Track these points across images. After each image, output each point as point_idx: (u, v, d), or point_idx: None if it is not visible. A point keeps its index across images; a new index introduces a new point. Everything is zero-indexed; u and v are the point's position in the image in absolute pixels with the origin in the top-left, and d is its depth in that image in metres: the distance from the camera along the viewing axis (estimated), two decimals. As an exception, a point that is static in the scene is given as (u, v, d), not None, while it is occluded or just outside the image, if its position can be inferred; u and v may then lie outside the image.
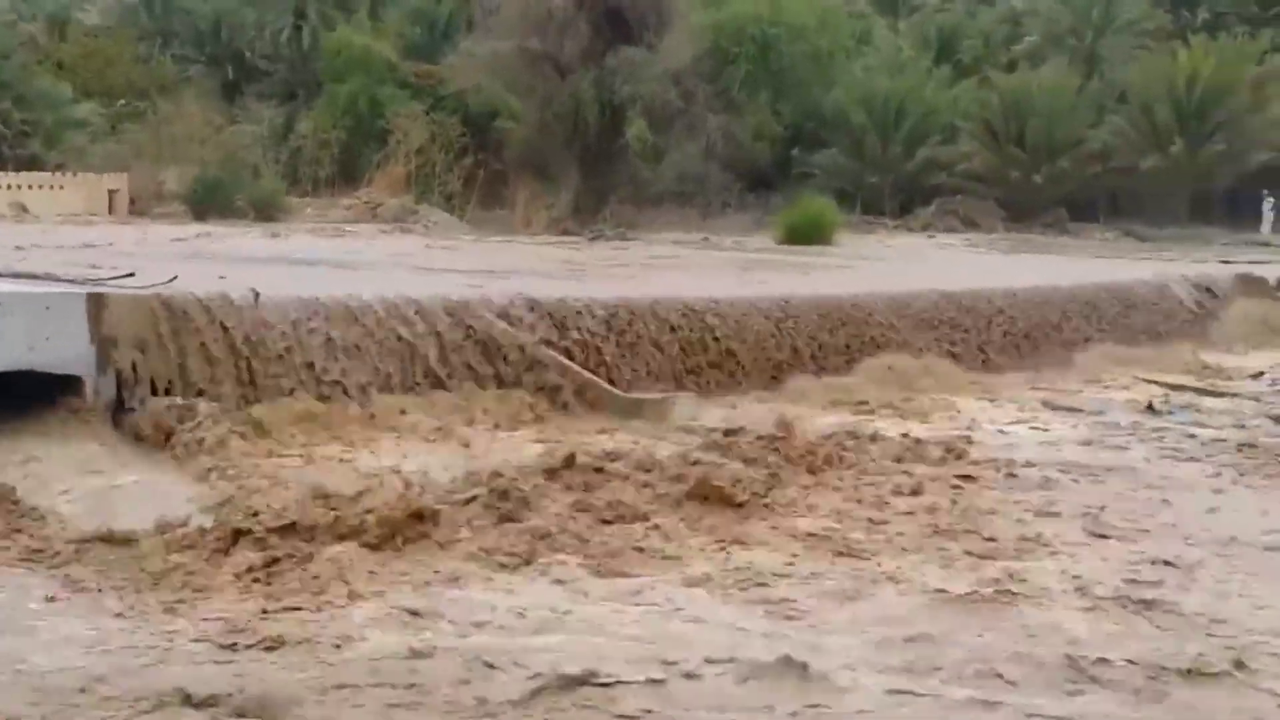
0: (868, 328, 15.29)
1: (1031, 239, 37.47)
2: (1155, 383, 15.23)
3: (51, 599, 6.70)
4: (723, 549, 7.73)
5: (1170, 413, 13.27)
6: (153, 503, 8.44)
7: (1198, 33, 48.52)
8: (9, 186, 40.22)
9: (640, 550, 7.65)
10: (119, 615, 6.44)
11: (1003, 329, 16.79)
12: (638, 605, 6.73)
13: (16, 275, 12.58)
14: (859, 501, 8.92)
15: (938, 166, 46.00)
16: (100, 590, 6.82)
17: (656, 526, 8.06)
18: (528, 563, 7.36)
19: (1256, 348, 19.04)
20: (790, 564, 7.47)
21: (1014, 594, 6.93)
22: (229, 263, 17.50)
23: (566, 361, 12.54)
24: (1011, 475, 10.00)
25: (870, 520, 8.43)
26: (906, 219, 44.01)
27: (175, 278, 12.23)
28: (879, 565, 7.48)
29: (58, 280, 12.20)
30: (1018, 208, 44.25)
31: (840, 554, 7.70)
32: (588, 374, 12.54)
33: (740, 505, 8.47)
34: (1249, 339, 19.63)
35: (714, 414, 12.28)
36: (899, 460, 10.21)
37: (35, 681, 5.52)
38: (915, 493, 9.14)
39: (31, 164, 42.60)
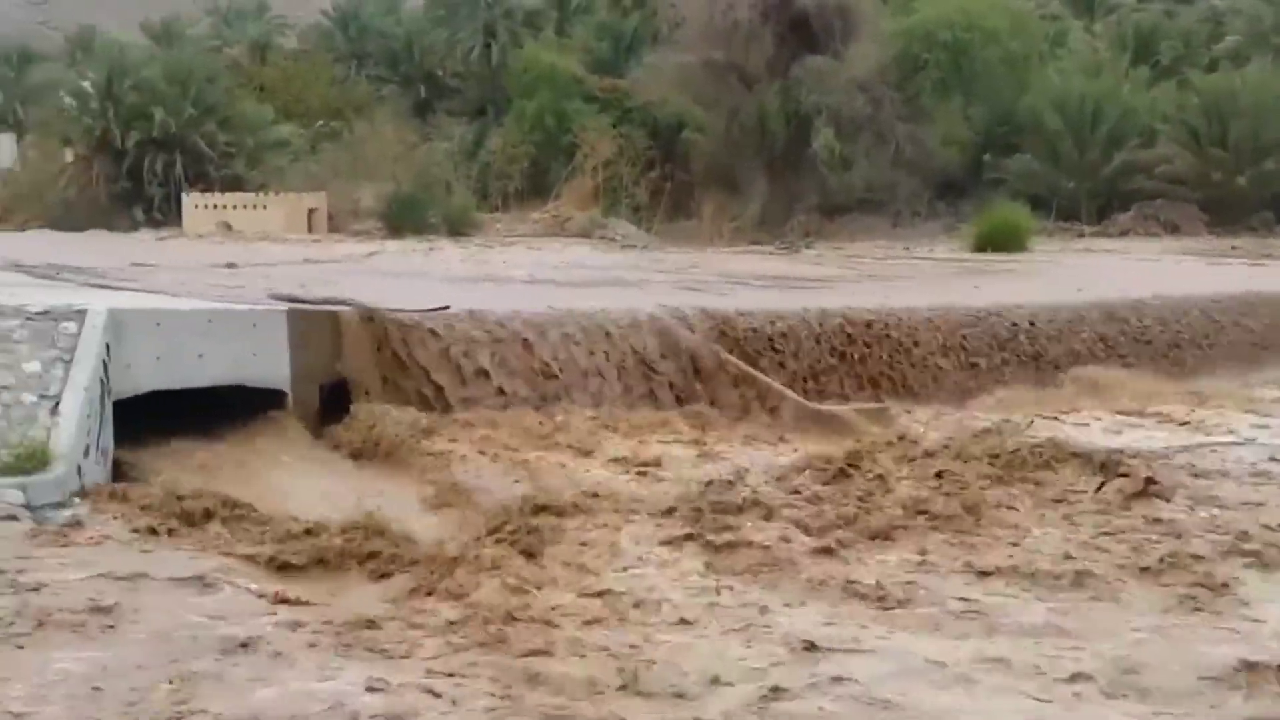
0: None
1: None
2: None
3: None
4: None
5: None
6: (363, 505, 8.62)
7: (1406, 28, 46.38)
8: (215, 206, 41.74)
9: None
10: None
11: None
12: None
13: (296, 300, 12.57)
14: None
15: (1136, 170, 44.50)
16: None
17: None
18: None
19: None
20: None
21: None
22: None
23: (760, 375, 12.41)
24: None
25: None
26: (1104, 224, 42.75)
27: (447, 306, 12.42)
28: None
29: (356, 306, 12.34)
30: (1220, 211, 42.59)
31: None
32: (782, 387, 12.39)
33: None
34: None
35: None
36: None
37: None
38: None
39: (235, 184, 44.04)
